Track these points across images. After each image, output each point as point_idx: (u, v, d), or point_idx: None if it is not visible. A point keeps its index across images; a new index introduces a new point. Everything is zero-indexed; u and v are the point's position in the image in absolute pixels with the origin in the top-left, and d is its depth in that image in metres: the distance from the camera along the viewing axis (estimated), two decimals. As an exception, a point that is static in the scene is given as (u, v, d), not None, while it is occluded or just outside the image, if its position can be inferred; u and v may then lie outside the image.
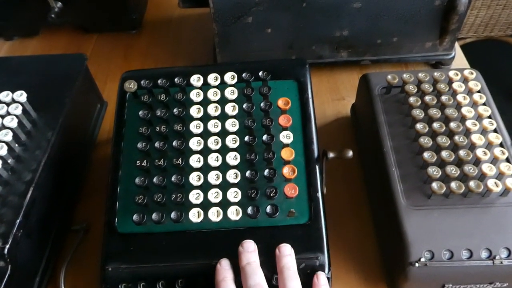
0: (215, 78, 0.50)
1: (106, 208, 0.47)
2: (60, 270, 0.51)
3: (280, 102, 0.48)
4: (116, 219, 0.46)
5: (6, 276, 0.44)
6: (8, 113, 0.53)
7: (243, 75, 0.49)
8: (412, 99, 0.52)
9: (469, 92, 0.53)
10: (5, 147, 0.49)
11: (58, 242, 0.54)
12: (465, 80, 0.54)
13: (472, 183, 0.46)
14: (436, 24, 0.65)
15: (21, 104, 0.53)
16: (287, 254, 0.42)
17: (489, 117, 0.51)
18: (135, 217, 0.44)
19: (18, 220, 0.46)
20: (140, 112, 0.48)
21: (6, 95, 0.54)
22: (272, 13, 0.64)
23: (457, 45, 0.76)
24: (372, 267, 0.52)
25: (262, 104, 0.48)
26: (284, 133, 0.47)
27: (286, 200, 0.45)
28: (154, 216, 0.44)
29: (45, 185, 0.51)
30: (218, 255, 0.43)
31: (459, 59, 0.75)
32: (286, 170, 0.45)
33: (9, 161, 0.50)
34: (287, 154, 0.46)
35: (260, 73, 0.49)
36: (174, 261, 0.43)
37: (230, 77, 0.49)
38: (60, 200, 0.55)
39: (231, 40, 0.67)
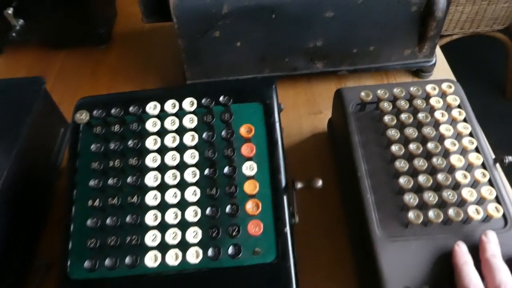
0: (173, 105, 0.46)
1: (59, 252, 0.43)
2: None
3: (243, 130, 0.44)
4: (69, 263, 0.42)
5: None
6: (-45, 149, 0.49)
7: (203, 101, 0.45)
8: (387, 118, 0.49)
9: (448, 107, 0.50)
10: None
11: (19, 280, 0.50)
12: (443, 95, 0.50)
13: (451, 211, 0.42)
14: (414, 30, 0.62)
15: (-30, 138, 0.50)
16: (495, 242, 0.40)
17: (470, 134, 0.48)
18: (86, 263, 0.41)
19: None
20: (92, 146, 0.45)
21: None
22: (240, 26, 0.60)
23: (438, 50, 0.73)
24: (350, 299, 0.49)
25: (223, 133, 0.44)
26: (247, 164, 0.43)
27: (251, 237, 0.41)
28: (107, 262, 0.41)
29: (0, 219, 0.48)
30: (179, 301, 0.40)
31: (441, 64, 0.71)
32: (250, 206, 0.42)
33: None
34: (250, 187, 0.42)
35: (221, 98, 0.46)
36: (131, 310, 0.40)
37: (189, 104, 0.46)
38: (20, 233, 0.52)
39: (199, 56, 0.63)
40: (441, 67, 0.71)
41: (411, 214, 0.43)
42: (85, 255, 0.42)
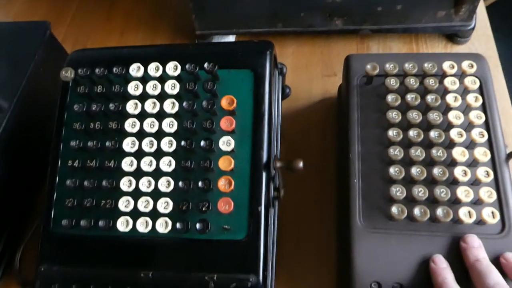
0: (156, 68, 0.44)
1: (43, 207, 0.45)
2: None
3: (224, 102, 0.42)
4: (52, 218, 0.44)
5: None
6: (-42, 94, 0.51)
7: (186, 66, 0.43)
8: (390, 98, 0.44)
9: (465, 90, 0.43)
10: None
11: (16, 228, 0.54)
12: (462, 74, 0.44)
13: (440, 211, 0.39)
14: (450, -10, 0.53)
15: (-28, 83, 0.51)
16: (475, 246, 0.38)
17: (484, 125, 0.42)
18: (64, 221, 0.42)
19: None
20: (75, 106, 0.44)
21: (-44, 74, 0.52)
22: (251, -25, 0.55)
23: (482, 11, 0.63)
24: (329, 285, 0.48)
25: (204, 103, 0.42)
26: (225, 138, 0.41)
27: (221, 214, 0.41)
28: (82, 222, 0.42)
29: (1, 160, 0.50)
30: (147, 266, 0.41)
31: (483, 28, 0.62)
32: (222, 182, 0.40)
33: (-40, 144, 0.49)
34: (225, 163, 0.41)
35: (206, 64, 0.42)
36: (104, 267, 0.42)
37: (172, 68, 0.43)
38: (19, 184, 0.55)
39: (207, 6, 0.59)
40: (482, 32, 0.62)
41: (394, 209, 0.39)
42: (64, 213, 0.43)
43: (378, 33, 0.62)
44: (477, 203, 0.39)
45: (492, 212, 0.38)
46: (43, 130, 0.59)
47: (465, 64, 0.43)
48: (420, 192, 0.39)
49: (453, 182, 0.40)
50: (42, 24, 0.59)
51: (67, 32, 0.72)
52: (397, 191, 0.40)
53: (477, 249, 0.37)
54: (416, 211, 0.39)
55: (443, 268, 0.37)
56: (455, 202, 0.40)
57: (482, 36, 0.61)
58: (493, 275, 0.36)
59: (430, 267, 0.38)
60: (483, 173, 0.39)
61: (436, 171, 0.40)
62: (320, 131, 0.57)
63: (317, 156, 0.55)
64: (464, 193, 0.39)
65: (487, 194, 0.38)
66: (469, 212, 0.38)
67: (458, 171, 0.39)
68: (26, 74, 0.55)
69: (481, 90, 0.44)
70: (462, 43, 0.61)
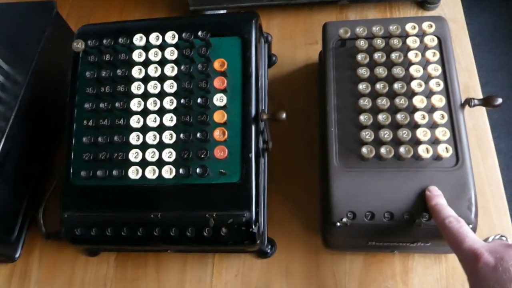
0: (157, 37, 0.50)
1: (63, 162, 0.52)
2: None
3: (216, 64, 0.48)
4: (71, 172, 0.51)
5: (-16, 219, 0.51)
6: (-22, 69, 0.57)
7: (183, 35, 0.49)
8: (360, 56, 0.50)
9: (425, 48, 0.50)
10: (-23, 102, 0.54)
11: (38, 186, 0.61)
12: (423, 34, 0.50)
13: (402, 149, 0.46)
14: (416, -40, 0.59)
15: (-10, 57, 0.57)
16: (437, 193, 0.44)
17: (440, 76, 0.49)
18: (82, 173, 0.49)
19: (-8, 169, 0.53)
20: (87, 73, 0.51)
21: (-25, 51, 0.58)
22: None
23: (450, -21, 0.69)
24: (313, 220, 0.55)
25: (199, 66, 0.48)
26: (218, 95, 0.48)
27: (218, 160, 0.47)
28: (99, 172, 0.49)
29: (18, 134, 0.56)
30: (156, 208, 0.48)
31: (452, -6, 0.68)
32: (217, 133, 0.47)
33: (-18, 114, 0.56)
34: (219, 117, 0.47)
35: (200, 33, 0.49)
36: (119, 212, 0.49)
37: (170, 37, 0.50)
38: (38, 147, 0.61)
39: (198, -17, 0.65)
40: (451, -2, 0.68)
41: (364, 149, 0.46)
42: (82, 166, 0.50)
43: (355, 3, 0.68)
44: (435, 142, 0.46)
45: (446, 148, 0.45)
46: (55, 97, 0.65)
47: (425, 25, 0.50)
48: (386, 134, 0.46)
49: (414, 126, 0.47)
50: (49, 4, 0.64)
51: (70, 11, 0.77)
52: (367, 135, 0.47)
53: (438, 196, 0.43)
54: (383, 150, 0.46)
55: (436, 195, 0.44)
56: (416, 143, 0.47)
57: (450, 2, 0.68)
58: (448, 210, 0.42)
59: (426, 195, 0.44)
60: (439, 116, 0.46)
61: (399, 116, 0.47)
62: (304, 93, 0.64)
63: (302, 114, 0.62)
64: (422, 133, 0.46)
65: (442, 133, 0.45)
66: (426, 148, 0.45)
67: (417, 116, 0.46)
68: (38, 49, 0.61)
69: (440, 47, 0.50)
70: (432, 9, 0.67)
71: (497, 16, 1.33)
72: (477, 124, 0.58)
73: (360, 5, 0.69)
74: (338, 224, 0.46)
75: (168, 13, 0.75)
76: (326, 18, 0.70)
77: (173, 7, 0.75)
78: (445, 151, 0.45)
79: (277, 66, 0.67)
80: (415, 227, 0.45)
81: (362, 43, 0.51)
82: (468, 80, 0.61)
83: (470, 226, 0.42)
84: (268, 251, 0.53)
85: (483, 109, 0.59)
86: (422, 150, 0.45)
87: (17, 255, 0.59)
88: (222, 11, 0.71)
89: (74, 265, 0.57)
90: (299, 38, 0.69)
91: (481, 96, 0.59)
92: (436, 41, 0.49)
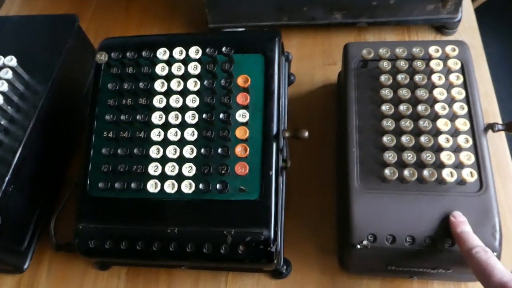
0: (180, 52, 0.50)
1: (80, 173, 0.51)
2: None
3: (240, 80, 0.48)
4: (88, 183, 0.50)
5: (-2, 227, 0.50)
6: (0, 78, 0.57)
7: (207, 50, 0.49)
8: (383, 78, 0.50)
9: (448, 71, 0.50)
10: (-3, 110, 0.54)
11: (51, 196, 0.60)
12: (446, 57, 0.50)
13: (426, 172, 0.45)
14: (437, -15, 0.60)
15: (12, 68, 0.57)
16: (462, 219, 0.43)
17: (464, 100, 0.48)
18: (100, 184, 0.48)
19: (7, 177, 0.52)
20: (109, 85, 0.51)
21: (-2, 59, 0.58)
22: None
23: (468, 7, 0.70)
24: (329, 241, 0.54)
25: (222, 81, 0.49)
26: (241, 111, 0.48)
27: (238, 177, 0.47)
28: (117, 184, 0.48)
29: (35, 143, 0.56)
30: (173, 223, 0.47)
31: (469, 21, 0.69)
32: (239, 149, 0.47)
33: (2, 122, 0.55)
34: (241, 133, 0.47)
35: (224, 48, 0.49)
36: (135, 225, 0.48)
37: (194, 52, 0.50)
38: (53, 157, 0.61)
39: (219, 1, 0.66)
40: (468, 24, 0.68)
41: (387, 171, 0.46)
42: (100, 178, 0.49)
43: (374, 25, 0.69)
44: (459, 166, 0.46)
45: (471, 172, 0.44)
46: (73, 109, 0.66)
47: (448, 48, 0.50)
48: (409, 157, 0.46)
49: (438, 149, 0.47)
50: (71, 17, 0.65)
51: (89, 25, 0.78)
52: (389, 156, 0.46)
53: (463, 222, 0.43)
54: (406, 172, 0.45)
55: (461, 221, 0.43)
56: (439, 166, 0.46)
57: (468, 28, 0.68)
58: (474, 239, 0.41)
59: (450, 221, 0.43)
60: (463, 140, 0.46)
61: (423, 139, 0.46)
62: (321, 113, 0.64)
63: (319, 134, 0.61)
64: (446, 157, 0.45)
65: (467, 157, 0.45)
66: (451, 172, 0.45)
67: (441, 139, 0.46)
68: (58, 61, 0.61)
69: (462, 70, 0.50)
70: (450, 35, 0.68)
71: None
72: (497, 150, 0.58)
73: (378, 27, 0.70)
74: (358, 246, 0.45)
75: (185, 30, 0.76)
76: (344, 40, 0.71)
77: (191, 24, 0.76)
78: (469, 175, 0.44)
79: (295, 86, 0.67)
80: (437, 253, 0.44)
81: (386, 64, 0.51)
82: (488, 106, 0.61)
83: (495, 254, 0.41)
84: (284, 271, 0.52)
85: (502, 135, 0.58)
86: (446, 173, 0.45)
87: (25, 266, 0.58)
88: (240, 29, 0.71)
89: (84, 279, 0.56)
90: (317, 59, 0.70)
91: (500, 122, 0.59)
92: (459, 65, 0.49)
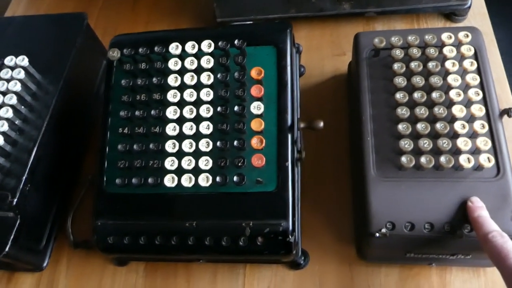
0: (192, 46, 0.50)
1: (96, 170, 0.52)
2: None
3: (253, 72, 0.48)
4: (105, 180, 0.50)
5: (16, 226, 0.51)
6: (12, 78, 0.57)
7: (219, 43, 0.49)
8: (396, 66, 0.50)
9: (461, 57, 0.50)
10: (11, 110, 0.54)
11: (66, 194, 0.61)
12: (459, 44, 0.50)
13: (443, 158, 0.45)
14: (447, -28, 0.59)
15: (24, 68, 0.57)
16: (480, 205, 0.43)
17: (478, 86, 0.48)
18: (117, 180, 0.49)
19: (24, 177, 0.52)
20: (123, 81, 0.51)
21: (10, 60, 0.58)
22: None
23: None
24: (346, 231, 0.54)
25: (236, 74, 0.49)
26: (255, 103, 0.48)
27: (255, 169, 0.47)
28: (134, 180, 0.48)
29: (49, 142, 0.56)
30: (191, 217, 0.47)
31: (478, 7, 0.68)
32: (255, 141, 0.47)
33: (16, 122, 0.56)
34: (256, 125, 0.47)
35: (236, 41, 0.49)
36: (153, 220, 0.48)
37: (206, 45, 0.50)
38: (67, 155, 0.61)
39: (227, -5, 0.66)
40: (477, 11, 0.68)
41: (403, 158, 0.46)
42: (117, 174, 0.50)
43: (382, 15, 0.68)
44: (475, 152, 0.46)
45: (488, 158, 0.44)
46: (84, 106, 0.66)
47: (461, 35, 0.50)
48: (425, 144, 0.46)
49: (454, 136, 0.46)
50: (80, 15, 0.65)
51: (96, 22, 0.78)
52: (406, 144, 0.46)
53: (481, 207, 0.43)
54: (423, 159, 0.45)
55: (479, 206, 0.43)
56: (456, 153, 0.46)
57: (478, 15, 0.68)
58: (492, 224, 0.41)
59: (467, 206, 0.43)
60: (479, 126, 0.45)
61: (439, 126, 0.46)
62: (333, 103, 0.64)
63: (331, 125, 0.61)
64: (463, 143, 0.45)
65: (483, 142, 0.45)
66: (468, 158, 0.45)
67: (457, 125, 0.46)
68: (69, 60, 0.61)
69: (475, 56, 0.50)
70: (460, 21, 0.67)
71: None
72: (510, 135, 0.57)
73: (387, 17, 0.69)
74: (377, 234, 0.45)
75: (194, 25, 0.76)
76: (353, 30, 0.70)
77: (199, 18, 0.76)
78: (487, 161, 0.44)
79: (305, 77, 0.67)
80: (456, 239, 0.44)
81: (398, 53, 0.51)
82: (500, 92, 0.60)
83: (512, 238, 0.41)
84: (302, 262, 0.52)
85: (516, 120, 0.58)
86: (463, 160, 0.45)
87: (44, 264, 0.58)
88: (248, 22, 0.71)
89: (102, 275, 0.57)
90: (326, 50, 0.69)
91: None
92: (473, 51, 0.49)
